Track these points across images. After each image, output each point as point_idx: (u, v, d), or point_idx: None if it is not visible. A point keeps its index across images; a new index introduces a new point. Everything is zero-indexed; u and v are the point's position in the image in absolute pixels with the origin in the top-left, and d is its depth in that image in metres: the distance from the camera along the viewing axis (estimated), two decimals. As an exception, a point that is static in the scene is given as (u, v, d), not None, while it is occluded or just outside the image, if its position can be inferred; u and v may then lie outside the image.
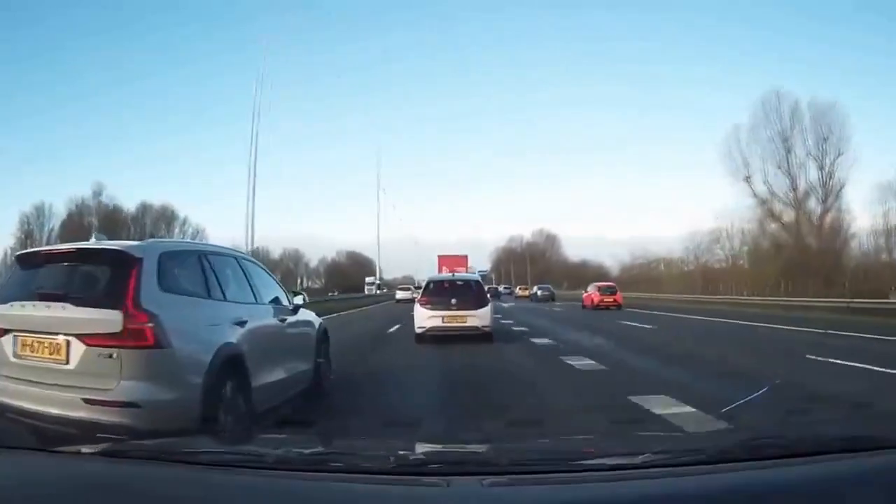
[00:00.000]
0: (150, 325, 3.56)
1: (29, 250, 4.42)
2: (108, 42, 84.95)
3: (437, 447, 1.77)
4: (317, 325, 6.41)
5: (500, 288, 72.02)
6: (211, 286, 4.40)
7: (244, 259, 5.43)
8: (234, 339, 4.23)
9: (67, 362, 3.55)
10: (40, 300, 3.75)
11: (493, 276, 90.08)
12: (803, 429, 1.92)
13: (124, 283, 3.69)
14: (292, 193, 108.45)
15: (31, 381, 3.61)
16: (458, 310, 11.29)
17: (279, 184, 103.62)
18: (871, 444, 1.40)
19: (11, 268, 4.18)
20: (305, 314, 6.13)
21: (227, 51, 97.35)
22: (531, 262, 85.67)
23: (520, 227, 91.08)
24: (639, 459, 1.37)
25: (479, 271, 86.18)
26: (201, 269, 4.43)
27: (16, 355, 3.70)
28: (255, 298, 5.03)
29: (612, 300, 28.12)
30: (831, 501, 1.14)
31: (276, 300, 5.46)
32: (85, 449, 1.44)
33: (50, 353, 3.60)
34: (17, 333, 3.71)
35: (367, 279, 67.48)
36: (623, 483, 1.20)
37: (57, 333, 3.58)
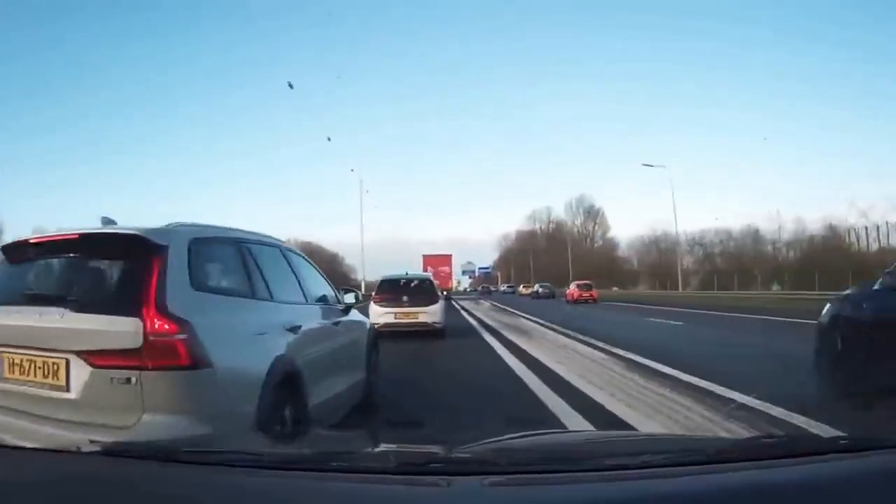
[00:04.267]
0: (181, 336, 2.63)
1: (18, 239, 3.35)
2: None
3: (437, 447, 1.77)
4: (367, 328, 5.55)
5: (504, 287, 71.68)
6: (255, 282, 3.46)
7: (287, 249, 4.42)
8: (287, 350, 3.31)
9: (67, 389, 2.62)
10: (29, 304, 2.85)
11: (498, 274, 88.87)
12: (803, 429, 1.92)
13: (144, 280, 2.73)
14: (272, 192, 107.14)
15: (19, 412, 2.69)
16: (409, 307, 12.06)
17: (268, 181, 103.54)
18: (871, 444, 1.40)
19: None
20: (355, 315, 5.23)
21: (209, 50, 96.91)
22: (551, 255, 79.72)
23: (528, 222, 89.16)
24: (639, 459, 1.37)
25: (481, 268, 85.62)
26: (241, 260, 3.47)
27: (2, 378, 2.76)
28: (305, 297, 4.15)
29: (588, 295, 34.22)
30: (831, 501, 1.14)
31: (323, 299, 4.58)
32: (85, 448, 1.44)
33: (44, 376, 2.66)
34: (2, 349, 2.77)
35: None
36: (623, 483, 1.20)
37: (52, 350, 2.65)
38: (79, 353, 2.60)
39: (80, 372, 2.59)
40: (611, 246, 78.58)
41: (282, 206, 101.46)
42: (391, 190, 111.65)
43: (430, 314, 12.23)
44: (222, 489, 1.22)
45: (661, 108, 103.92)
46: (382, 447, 1.71)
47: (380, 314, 12.04)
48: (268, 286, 3.56)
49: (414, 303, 12.14)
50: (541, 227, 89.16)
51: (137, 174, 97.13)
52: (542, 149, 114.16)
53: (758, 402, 4.88)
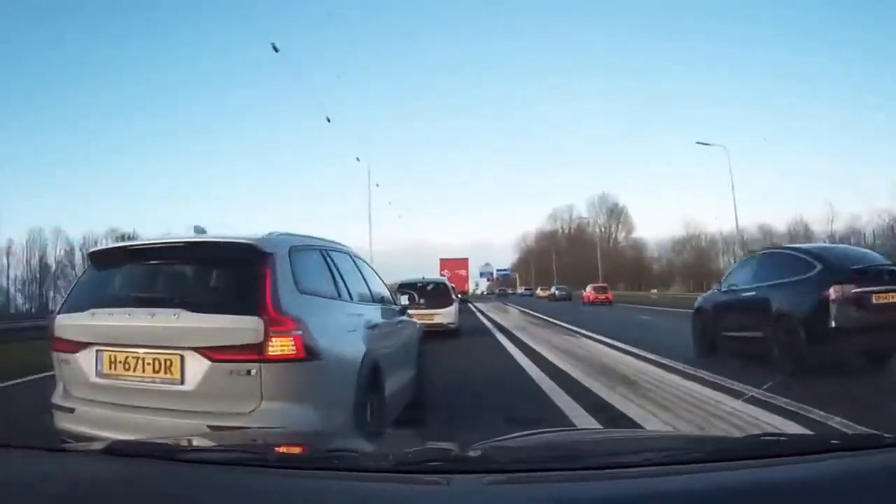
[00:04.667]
0: (298, 332, 2.90)
1: (110, 246, 3.68)
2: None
3: (437, 445, 1.77)
4: (418, 329, 5.79)
5: (521, 290, 71.19)
6: (338, 285, 3.81)
7: (355, 254, 4.75)
8: (370, 346, 3.63)
9: (182, 381, 2.87)
10: (140, 306, 3.04)
11: (517, 276, 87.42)
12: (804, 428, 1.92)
13: (259, 284, 2.99)
14: (286, 197, 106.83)
15: (124, 406, 2.93)
16: (425, 308, 12.54)
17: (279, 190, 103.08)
18: (871, 444, 1.40)
19: (85, 269, 3.56)
20: (407, 316, 5.58)
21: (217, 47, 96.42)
22: (574, 256, 77.56)
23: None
24: (639, 457, 1.37)
25: (499, 270, 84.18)
26: (326, 265, 3.81)
27: (101, 374, 3.02)
28: (371, 298, 4.49)
29: (604, 297, 35.44)
30: (831, 501, 1.14)
31: (385, 300, 4.89)
32: (86, 447, 1.44)
33: (155, 371, 2.91)
34: (101, 347, 3.02)
35: None
36: (623, 482, 1.20)
37: (167, 347, 2.91)
38: (196, 349, 2.85)
39: (197, 366, 2.85)
40: (639, 245, 77.05)
41: (297, 208, 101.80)
42: (408, 194, 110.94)
43: (445, 315, 13.22)
44: (222, 489, 1.22)
45: (689, 101, 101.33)
46: (382, 446, 1.71)
47: None
48: (347, 288, 3.94)
49: (430, 305, 12.77)
50: (562, 227, 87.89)
51: (135, 174, 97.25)
52: (562, 148, 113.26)
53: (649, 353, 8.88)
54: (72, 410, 3.08)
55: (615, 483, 1.19)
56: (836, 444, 1.40)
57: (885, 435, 1.45)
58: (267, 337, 2.84)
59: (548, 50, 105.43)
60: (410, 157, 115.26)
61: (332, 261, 3.91)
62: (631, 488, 1.16)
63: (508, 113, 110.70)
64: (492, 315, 23.61)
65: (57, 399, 3.22)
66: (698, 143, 34.85)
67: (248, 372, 2.82)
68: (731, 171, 48.56)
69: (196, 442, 1.69)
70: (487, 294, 76.13)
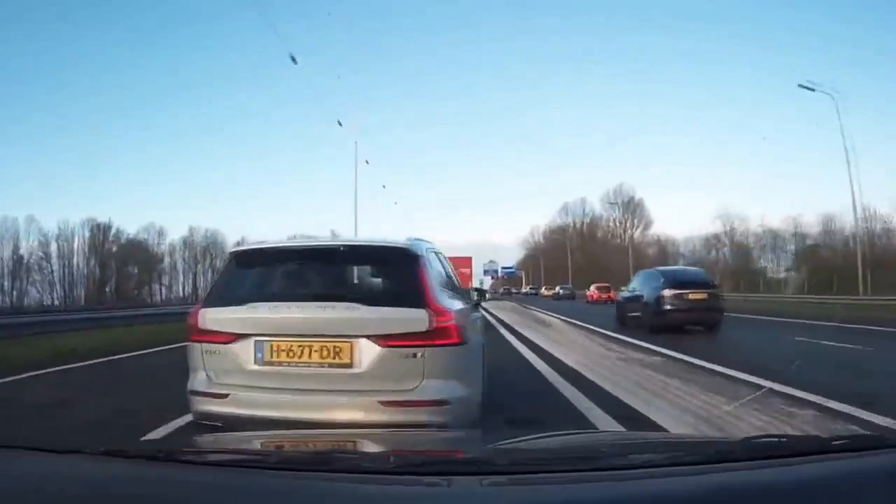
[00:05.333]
0: (453, 322, 3.42)
1: (255, 246, 4.09)
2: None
3: (438, 446, 1.77)
4: (482, 317, 6.26)
5: (526, 289, 70.71)
6: (452, 281, 4.51)
7: (440, 252, 5.08)
8: (481, 334, 4.54)
9: (352, 365, 3.28)
10: (310, 301, 3.44)
11: (522, 274, 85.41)
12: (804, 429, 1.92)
13: (416, 282, 3.49)
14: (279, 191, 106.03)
15: (286, 389, 3.30)
16: None
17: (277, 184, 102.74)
18: (871, 444, 1.40)
19: (225, 267, 3.90)
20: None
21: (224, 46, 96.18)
22: (586, 253, 72.82)
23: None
24: (639, 459, 1.37)
25: (504, 268, 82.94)
26: (441, 264, 4.35)
27: (261, 362, 3.35)
28: (460, 293, 4.86)
29: (607, 296, 36.16)
30: (831, 501, 1.14)
31: (466, 294, 5.24)
32: (85, 449, 1.44)
33: (323, 357, 3.30)
34: (261, 337, 3.36)
35: None
36: (623, 483, 1.20)
37: (339, 336, 3.29)
38: (368, 337, 3.28)
39: (368, 351, 3.28)
40: (665, 241, 70.96)
41: (286, 202, 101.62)
42: (412, 190, 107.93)
43: None
44: (222, 489, 1.23)
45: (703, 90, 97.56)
46: (382, 446, 1.71)
47: None
48: (454, 284, 4.60)
49: None
50: (574, 223, 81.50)
51: (112, 163, 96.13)
52: (574, 140, 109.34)
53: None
54: (225, 396, 3.38)
55: (616, 485, 1.19)
56: (837, 445, 1.40)
57: (886, 436, 1.45)
58: (431, 326, 3.32)
59: (555, 33, 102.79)
60: (415, 153, 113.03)
61: (442, 260, 4.48)
62: (632, 490, 1.16)
63: (514, 105, 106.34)
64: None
65: (200, 386, 3.49)
66: (801, 86, 27.74)
67: (414, 355, 3.28)
68: (843, 128, 30.45)
69: (196, 443, 1.69)
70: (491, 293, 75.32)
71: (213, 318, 3.51)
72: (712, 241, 60.81)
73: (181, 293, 71.61)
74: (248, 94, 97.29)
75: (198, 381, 3.52)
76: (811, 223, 52.70)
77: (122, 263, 68.70)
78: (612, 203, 75.67)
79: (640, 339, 11.15)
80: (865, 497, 1.15)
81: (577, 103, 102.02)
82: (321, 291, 3.57)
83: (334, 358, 3.29)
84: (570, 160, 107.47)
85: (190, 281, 74.11)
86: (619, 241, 74.81)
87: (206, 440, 2.04)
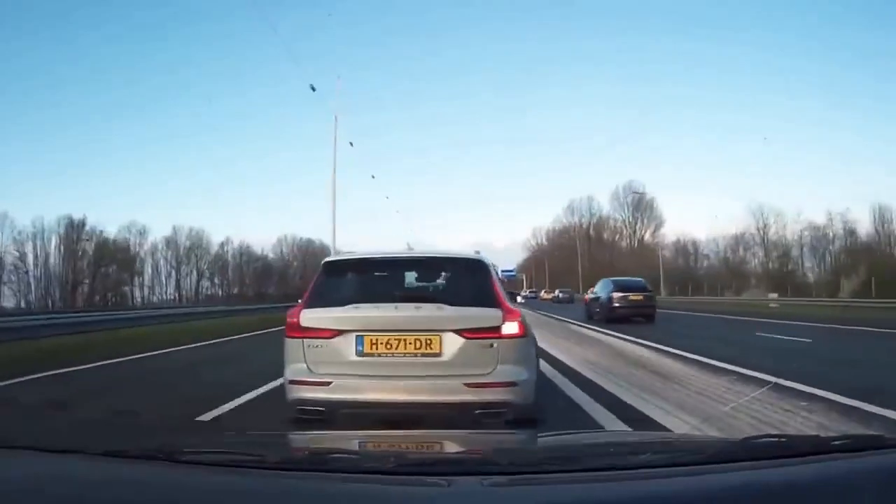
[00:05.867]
0: (520, 319, 4.08)
1: (349, 258, 4.88)
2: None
3: (437, 447, 1.77)
4: None
5: (526, 292, 70.14)
6: (503, 287, 5.06)
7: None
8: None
9: (440, 354, 3.91)
10: (405, 302, 4.11)
11: (524, 277, 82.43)
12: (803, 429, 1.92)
13: (489, 286, 4.23)
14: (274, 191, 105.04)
15: (387, 376, 3.92)
16: None
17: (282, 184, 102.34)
18: (871, 444, 1.40)
19: (319, 275, 4.50)
20: None
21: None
22: (594, 254, 69.73)
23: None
24: (639, 459, 1.37)
25: (504, 271, 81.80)
26: (497, 273, 4.93)
27: (361, 353, 3.94)
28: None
29: None
30: (831, 501, 1.14)
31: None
32: (85, 449, 1.44)
33: (416, 348, 3.93)
34: (361, 332, 3.96)
35: None
36: (623, 483, 1.20)
37: (429, 330, 3.92)
38: (454, 331, 3.93)
39: (453, 342, 3.93)
40: (683, 242, 67.56)
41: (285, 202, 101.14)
42: (412, 192, 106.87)
43: None
44: (222, 489, 1.22)
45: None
46: (382, 447, 1.71)
47: None
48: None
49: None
50: (581, 222, 78.01)
51: (88, 159, 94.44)
52: (578, 136, 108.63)
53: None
54: (328, 383, 3.94)
55: (615, 485, 1.19)
56: (837, 446, 1.40)
57: (886, 436, 1.45)
58: (503, 322, 3.99)
59: (554, 33, 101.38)
60: (414, 154, 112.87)
61: (497, 270, 5.06)
62: (631, 490, 1.16)
63: (514, 106, 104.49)
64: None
65: (300, 376, 4.05)
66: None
67: (490, 345, 3.95)
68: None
69: (196, 443, 1.69)
70: None
71: (314, 317, 4.09)
72: (744, 239, 56.64)
73: (164, 295, 68.23)
74: (246, 94, 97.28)
75: (298, 371, 4.07)
76: (859, 219, 48.77)
77: (97, 264, 63.73)
78: (636, 191, 70.45)
79: (596, 326, 17.91)
80: (865, 497, 1.15)
81: (578, 103, 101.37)
82: (412, 294, 4.33)
83: (425, 348, 3.92)
84: (572, 161, 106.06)
85: (173, 282, 70.54)
86: (627, 242, 72.80)
87: (206, 440, 2.04)
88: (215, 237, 72.97)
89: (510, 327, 4.00)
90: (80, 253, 63.22)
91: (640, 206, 73.24)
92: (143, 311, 29.88)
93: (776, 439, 1.48)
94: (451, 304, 4.05)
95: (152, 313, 23.17)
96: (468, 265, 4.55)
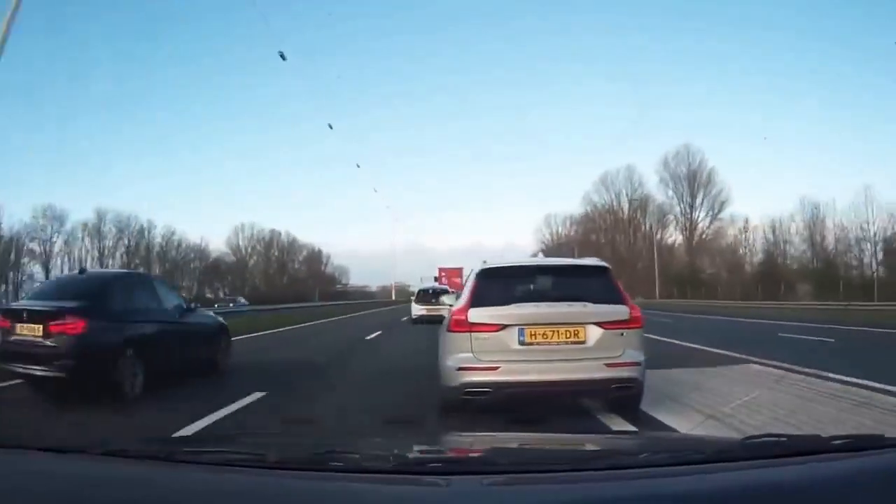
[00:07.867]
0: (639, 313, 5.20)
1: (501, 265, 5.72)
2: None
3: (437, 446, 1.77)
4: None
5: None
6: None
7: None
8: None
9: (585, 342, 4.95)
10: (555, 301, 5.12)
11: None
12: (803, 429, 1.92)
13: (613, 287, 5.29)
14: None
15: (540, 361, 4.90)
16: (434, 305, 19.41)
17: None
18: (871, 444, 1.40)
19: (477, 279, 5.43)
20: None
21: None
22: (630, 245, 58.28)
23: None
24: (638, 459, 1.37)
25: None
26: None
27: (523, 343, 4.94)
28: None
29: None
30: (831, 501, 1.14)
31: None
32: (85, 449, 1.44)
33: (567, 338, 4.95)
34: (523, 326, 4.95)
35: None
36: (623, 483, 1.20)
37: (576, 323, 4.98)
38: (595, 323, 5.01)
39: (594, 332, 5.00)
40: (751, 226, 54.50)
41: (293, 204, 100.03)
42: (408, 194, 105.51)
43: (446, 310, 17.93)
44: (222, 489, 1.22)
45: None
46: (381, 446, 1.71)
47: (418, 309, 22.63)
48: None
49: (437, 302, 17.34)
50: (613, 202, 63.11)
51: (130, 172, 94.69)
52: (576, 144, 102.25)
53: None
54: (496, 368, 4.85)
55: (615, 484, 1.18)
56: (837, 445, 1.39)
57: (886, 436, 1.44)
58: (629, 316, 5.11)
59: (554, 32, 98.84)
60: (412, 154, 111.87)
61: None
62: (631, 490, 1.16)
63: (514, 106, 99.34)
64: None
65: (468, 363, 4.95)
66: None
67: (621, 334, 5.03)
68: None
69: (196, 443, 1.69)
70: None
71: (481, 314, 5.04)
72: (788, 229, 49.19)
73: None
74: (241, 93, 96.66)
75: (465, 360, 4.97)
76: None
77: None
78: (635, 199, 58.26)
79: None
80: (865, 497, 1.15)
81: (579, 104, 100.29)
82: (561, 295, 5.19)
83: (573, 337, 4.95)
84: (575, 160, 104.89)
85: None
86: (686, 227, 57.59)
87: (206, 440, 2.04)
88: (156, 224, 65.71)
89: (634, 320, 5.10)
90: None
91: (697, 178, 58.04)
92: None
93: (776, 439, 1.48)
94: (594, 302, 5.06)
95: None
96: (596, 270, 5.49)
